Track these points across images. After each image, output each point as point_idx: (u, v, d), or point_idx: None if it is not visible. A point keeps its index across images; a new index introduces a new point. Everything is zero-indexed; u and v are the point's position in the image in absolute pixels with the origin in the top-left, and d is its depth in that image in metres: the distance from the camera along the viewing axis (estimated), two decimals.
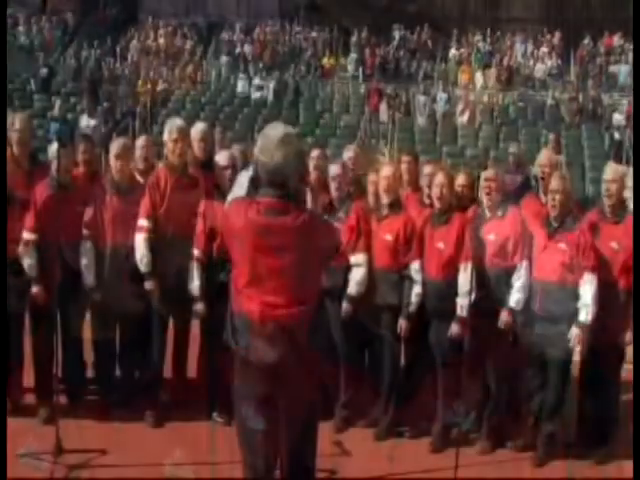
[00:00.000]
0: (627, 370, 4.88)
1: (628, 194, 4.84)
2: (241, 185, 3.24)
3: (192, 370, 5.20)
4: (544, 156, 5.30)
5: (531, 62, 20.62)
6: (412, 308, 4.67)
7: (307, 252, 2.99)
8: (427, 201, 5.05)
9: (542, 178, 5.18)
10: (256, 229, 2.95)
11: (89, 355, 5.24)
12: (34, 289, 4.78)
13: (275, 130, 3.03)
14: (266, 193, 2.99)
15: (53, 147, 4.84)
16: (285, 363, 3.01)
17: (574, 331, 4.43)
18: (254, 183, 3.16)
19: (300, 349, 3.02)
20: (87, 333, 5.17)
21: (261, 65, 20.53)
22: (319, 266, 3.17)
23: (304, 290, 3.04)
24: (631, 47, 20.33)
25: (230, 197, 3.27)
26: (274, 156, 2.95)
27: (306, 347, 3.04)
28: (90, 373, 5.30)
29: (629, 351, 4.69)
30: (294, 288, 3.00)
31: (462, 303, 4.50)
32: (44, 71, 18.54)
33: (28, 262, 4.77)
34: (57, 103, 12.75)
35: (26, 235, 4.77)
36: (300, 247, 2.96)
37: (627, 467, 4.47)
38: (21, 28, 21.22)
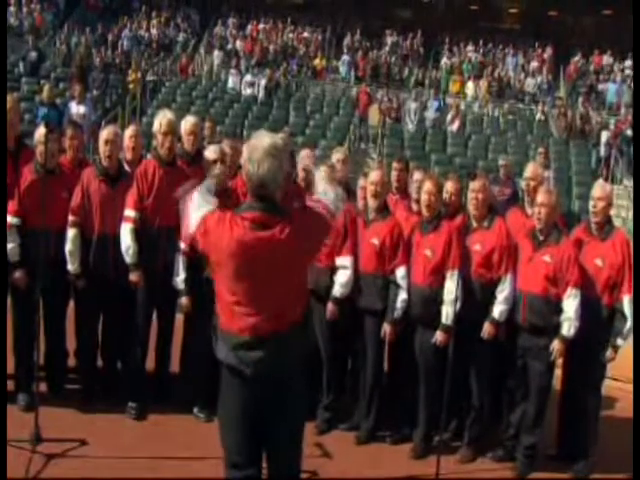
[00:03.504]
0: (608, 386, 4.95)
1: (612, 212, 4.87)
2: (200, 205, 3.08)
3: (174, 364, 5.16)
4: (531, 169, 5.30)
5: (522, 76, 20.79)
6: (397, 313, 4.66)
7: (295, 258, 2.96)
8: (415, 207, 5.05)
9: (528, 191, 5.20)
10: (243, 245, 2.91)
11: (71, 343, 5.18)
12: (16, 274, 4.71)
13: (261, 141, 2.98)
14: (251, 207, 2.96)
15: (40, 131, 4.77)
16: (274, 373, 2.99)
17: (556, 344, 4.45)
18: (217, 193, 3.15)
19: (289, 358, 3.01)
20: (70, 321, 5.11)
21: (253, 62, 20.49)
22: (308, 265, 3.15)
23: (292, 299, 3.01)
24: (620, 67, 20.62)
25: (194, 219, 3.07)
26: (260, 167, 2.92)
27: (294, 354, 3.03)
28: (72, 362, 5.25)
29: (610, 367, 4.73)
30: (282, 300, 2.97)
31: (447, 311, 4.50)
32: (33, 55, 18.33)
33: (10, 246, 4.70)
34: (45, 87, 12.59)
35: (9, 219, 4.70)
36: (289, 257, 2.94)
37: None
38: (11, 9, 20.96)
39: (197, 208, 3.07)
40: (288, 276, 2.96)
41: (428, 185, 4.69)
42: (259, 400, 3.01)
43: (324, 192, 3.32)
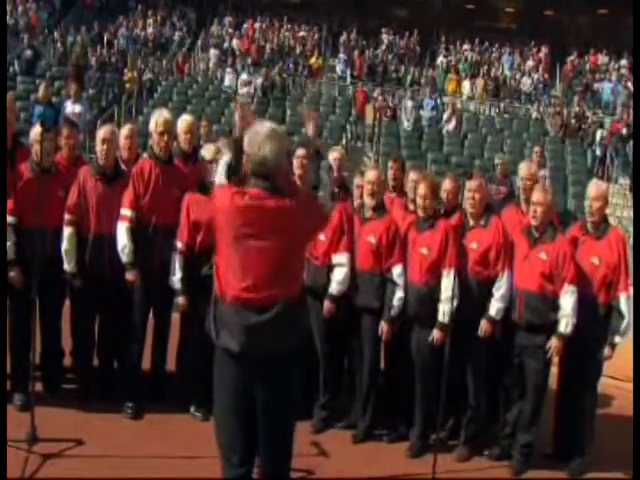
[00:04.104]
0: (604, 384, 4.96)
1: (607, 211, 4.88)
2: (221, 174, 3.34)
3: (171, 363, 5.14)
4: (525, 169, 5.26)
5: (518, 75, 20.80)
6: (394, 312, 4.66)
7: (290, 234, 3.03)
8: (411, 206, 5.06)
9: (524, 189, 5.18)
10: (239, 211, 2.99)
11: (67, 342, 5.15)
12: (11, 273, 4.69)
13: (263, 126, 3.08)
14: (254, 184, 3.03)
15: (35, 130, 4.76)
16: (266, 351, 3.03)
17: (554, 342, 4.46)
18: (230, 169, 3.28)
19: (281, 336, 3.04)
20: (66, 320, 5.09)
21: (249, 61, 20.47)
22: (303, 248, 3.26)
23: (287, 276, 3.06)
24: (616, 66, 20.65)
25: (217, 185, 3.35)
26: (261, 149, 3.00)
27: (287, 334, 3.06)
28: (67, 361, 5.22)
29: (607, 365, 4.74)
30: (277, 273, 3.02)
31: (444, 309, 4.51)
32: (29, 53, 18.29)
33: (6, 245, 4.68)
34: (41, 86, 12.57)
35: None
36: (283, 229, 3.00)
37: (601, 479, 4.54)
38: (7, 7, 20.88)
39: (218, 176, 3.33)
40: (281, 247, 3.02)
41: (422, 188, 4.68)
42: (249, 384, 3.04)
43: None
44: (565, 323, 4.44)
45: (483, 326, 4.56)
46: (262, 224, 2.98)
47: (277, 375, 3.05)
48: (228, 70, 19.41)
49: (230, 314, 3.03)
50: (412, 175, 5.21)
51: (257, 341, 3.00)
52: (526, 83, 20.33)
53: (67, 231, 4.78)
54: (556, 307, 4.47)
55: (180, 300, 4.79)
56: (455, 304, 4.41)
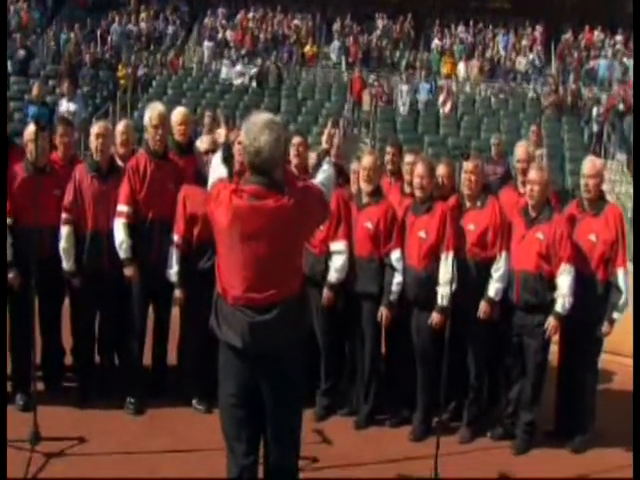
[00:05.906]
0: (605, 360, 4.96)
1: (606, 187, 4.86)
2: (216, 169, 3.31)
3: (172, 357, 5.15)
4: (520, 150, 5.23)
5: (513, 55, 20.70)
6: (393, 297, 4.66)
7: (291, 232, 3.02)
8: (408, 189, 5.05)
9: (521, 170, 5.17)
10: (239, 213, 2.97)
11: (67, 341, 5.17)
12: (9, 274, 4.68)
13: (259, 116, 3.06)
14: (250, 181, 3.01)
15: (29, 129, 4.75)
16: (269, 349, 3.03)
17: (551, 321, 4.46)
18: (227, 161, 3.29)
19: (284, 335, 3.04)
20: (66, 319, 5.10)
21: (243, 51, 20.39)
22: (304, 243, 3.27)
23: (288, 273, 3.06)
24: (611, 42, 20.51)
25: (210, 183, 3.29)
26: (256, 139, 2.96)
27: (290, 332, 3.06)
28: (68, 360, 5.23)
29: (607, 341, 4.75)
30: (278, 272, 3.01)
31: (443, 292, 4.51)
32: (21, 53, 18.24)
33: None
34: (35, 86, 12.54)
35: None
36: (283, 229, 2.98)
37: (604, 455, 4.56)
38: None
39: (213, 172, 3.29)
40: (282, 247, 3.01)
41: (419, 169, 4.68)
42: (253, 378, 3.05)
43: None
44: (562, 302, 4.44)
45: (482, 307, 4.57)
46: (262, 226, 2.95)
47: (280, 368, 3.06)
48: (225, 62, 19.34)
49: (232, 313, 3.03)
50: (408, 157, 5.20)
51: (260, 339, 3.00)
52: (521, 63, 20.22)
53: (65, 230, 4.77)
54: (553, 287, 4.48)
55: (178, 293, 4.79)
56: (454, 287, 4.42)
